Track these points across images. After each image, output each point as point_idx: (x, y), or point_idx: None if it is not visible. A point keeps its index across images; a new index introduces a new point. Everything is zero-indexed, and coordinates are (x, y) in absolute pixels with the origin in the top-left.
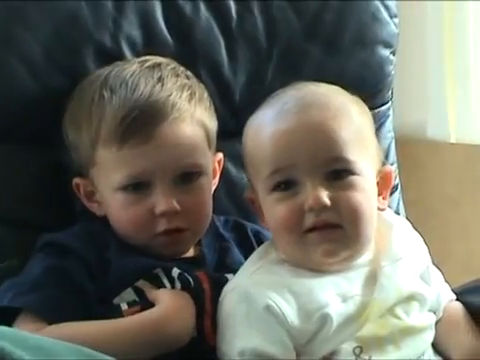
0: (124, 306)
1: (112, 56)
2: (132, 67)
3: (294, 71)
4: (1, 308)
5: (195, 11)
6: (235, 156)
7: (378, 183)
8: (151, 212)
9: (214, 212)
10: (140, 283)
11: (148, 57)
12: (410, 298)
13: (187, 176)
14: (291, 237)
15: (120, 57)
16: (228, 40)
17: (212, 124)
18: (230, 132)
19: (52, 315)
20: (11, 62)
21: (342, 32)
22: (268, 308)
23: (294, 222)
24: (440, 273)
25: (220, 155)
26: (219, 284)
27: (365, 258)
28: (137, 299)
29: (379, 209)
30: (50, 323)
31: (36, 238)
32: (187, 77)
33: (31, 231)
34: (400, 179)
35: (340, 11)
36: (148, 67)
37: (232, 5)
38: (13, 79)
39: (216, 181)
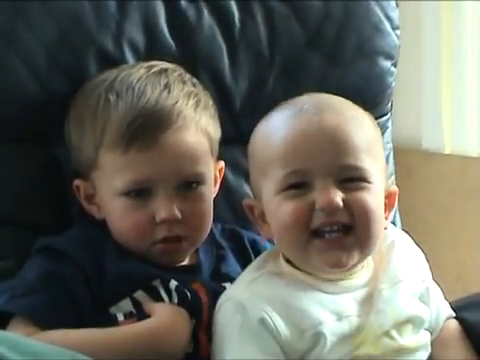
0: (120, 317)
1: (114, 59)
2: (139, 72)
3: (295, 80)
4: None
5: (198, 16)
6: (234, 163)
7: (384, 202)
8: (152, 219)
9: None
10: (138, 294)
11: (154, 62)
12: (406, 321)
13: (189, 184)
14: (296, 236)
15: (122, 60)
16: (230, 47)
17: (216, 133)
18: (229, 139)
19: (44, 321)
20: (13, 62)
21: (344, 42)
22: (262, 321)
23: (302, 219)
24: (439, 290)
25: (221, 163)
26: (217, 295)
27: (362, 279)
28: (134, 311)
29: None
30: (42, 329)
31: (32, 239)
32: (193, 84)
33: (27, 232)
34: None
35: (342, 21)
36: (155, 73)
37: (235, 12)
38: (14, 79)
39: (216, 189)
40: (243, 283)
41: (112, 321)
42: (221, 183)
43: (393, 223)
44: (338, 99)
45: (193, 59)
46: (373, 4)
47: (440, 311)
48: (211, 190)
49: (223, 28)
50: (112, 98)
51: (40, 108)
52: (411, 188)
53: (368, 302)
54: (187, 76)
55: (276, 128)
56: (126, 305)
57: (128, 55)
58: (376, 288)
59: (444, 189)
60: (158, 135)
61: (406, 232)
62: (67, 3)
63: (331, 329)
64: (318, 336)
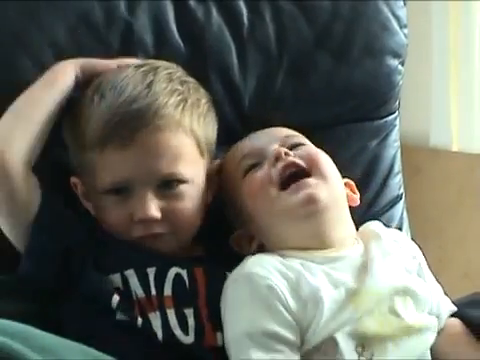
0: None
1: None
2: (126, 71)
3: (303, 79)
4: None
5: (207, 16)
6: None
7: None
8: (131, 217)
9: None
10: (128, 272)
11: (149, 61)
12: (405, 292)
13: (170, 183)
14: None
15: None
16: (239, 46)
17: (206, 132)
18: (238, 138)
19: None
20: (22, 62)
21: (352, 41)
22: (270, 288)
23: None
24: (440, 286)
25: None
26: (216, 281)
27: (355, 251)
28: (121, 287)
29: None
30: None
31: None
32: (181, 83)
33: None
34: (404, 188)
35: (350, 20)
36: (144, 71)
37: (244, 11)
38: (24, 79)
39: (214, 190)
40: (243, 264)
41: None
42: None
43: (400, 223)
44: None
45: (202, 58)
46: (381, 3)
47: (441, 303)
48: (198, 189)
49: (232, 27)
50: (96, 98)
51: None
52: (418, 186)
53: (363, 271)
54: (177, 74)
55: None
56: (116, 280)
57: (137, 54)
58: (369, 257)
59: (451, 187)
60: (133, 134)
61: (413, 230)
62: (77, 3)
63: (329, 295)
64: (317, 303)
